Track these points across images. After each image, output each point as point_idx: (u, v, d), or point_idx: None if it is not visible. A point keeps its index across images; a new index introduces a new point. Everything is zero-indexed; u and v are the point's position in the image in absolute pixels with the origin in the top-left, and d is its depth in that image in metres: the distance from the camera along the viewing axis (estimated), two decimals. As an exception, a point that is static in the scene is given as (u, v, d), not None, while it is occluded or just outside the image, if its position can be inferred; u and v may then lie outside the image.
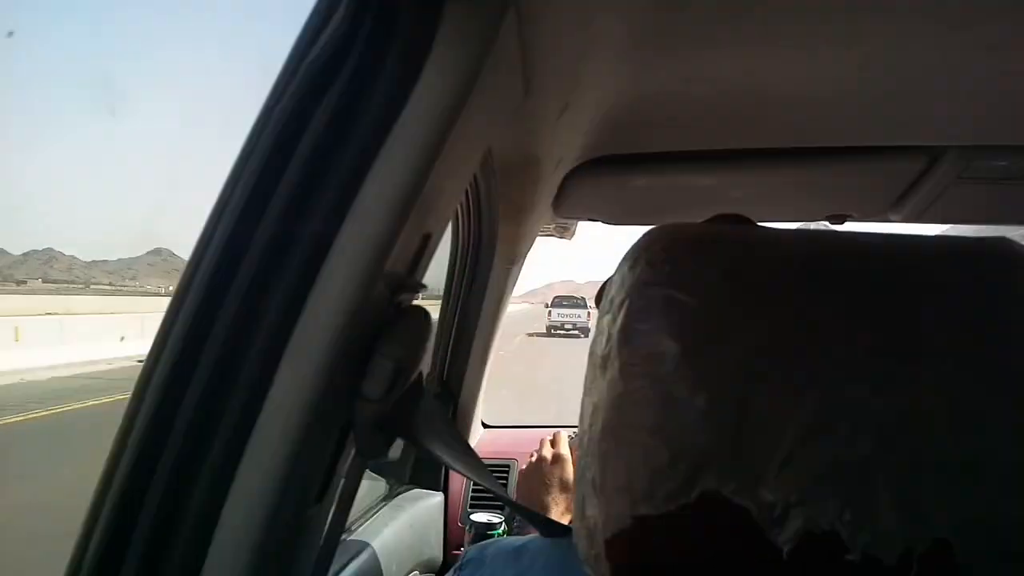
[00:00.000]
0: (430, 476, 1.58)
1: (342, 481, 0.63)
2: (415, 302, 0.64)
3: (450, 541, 1.56)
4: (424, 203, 0.53)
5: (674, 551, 0.40)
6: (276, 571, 0.54)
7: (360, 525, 1.29)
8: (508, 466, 1.65)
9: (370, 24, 0.48)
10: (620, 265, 0.45)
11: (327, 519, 0.62)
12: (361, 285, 0.50)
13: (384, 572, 1.19)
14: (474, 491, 1.60)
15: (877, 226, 1.32)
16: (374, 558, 1.18)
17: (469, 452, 0.66)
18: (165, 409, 0.49)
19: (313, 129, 0.49)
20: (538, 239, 1.39)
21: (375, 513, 1.38)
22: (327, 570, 0.64)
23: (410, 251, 0.57)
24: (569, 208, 1.22)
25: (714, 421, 0.38)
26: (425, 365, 0.63)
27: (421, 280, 0.63)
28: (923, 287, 0.40)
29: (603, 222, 1.34)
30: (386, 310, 0.56)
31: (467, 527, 1.54)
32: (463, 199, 1.08)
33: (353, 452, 0.60)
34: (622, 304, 0.43)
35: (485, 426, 1.85)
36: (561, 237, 1.41)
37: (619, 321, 0.42)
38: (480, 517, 1.54)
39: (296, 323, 0.49)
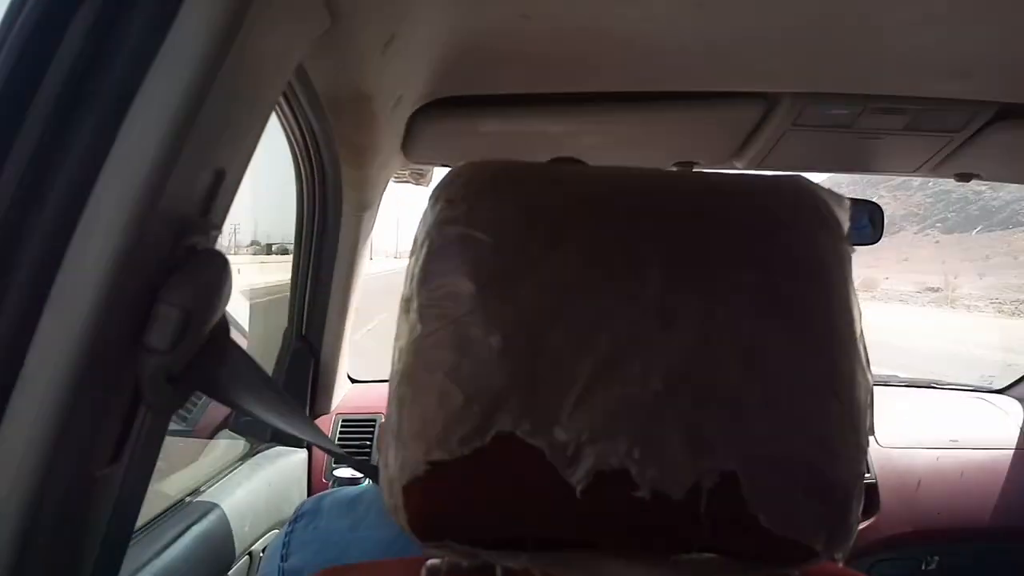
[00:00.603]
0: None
1: (141, 438, 0.58)
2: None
3: (315, 496, 1.53)
4: (207, 134, 0.49)
5: (469, 495, 0.39)
6: (57, 534, 0.50)
7: (211, 486, 1.24)
8: (374, 420, 1.62)
9: None
10: (427, 205, 0.43)
11: (124, 477, 0.57)
12: (132, 224, 0.45)
13: (234, 533, 1.15)
14: (339, 446, 1.57)
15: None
16: (222, 519, 1.13)
17: (288, 406, 0.63)
18: None
19: (68, 47, 0.44)
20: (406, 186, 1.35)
21: (230, 473, 1.33)
22: (128, 530, 0.61)
23: (199, 189, 0.53)
24: (419, 152, 1.19)
25: (509, 361, 0.37)
26: (230, 314, 0.59)
27: (220, 221, 0.58)
28: (715, 224, 0.41)
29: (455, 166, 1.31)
30: (172, 253, 0.52)
31: (331, 483, 1.52)
32: (299, 140, 1.02)
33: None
34: (422, 244, 0.41)
35: (352, 380, 1.81)
36: (417, 184, 1.38)
37: (419, 262, 0.41)
38: (344, 472, 1.51)
39: (58, 269, 0.44)
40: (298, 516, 0.70)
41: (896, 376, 2.23)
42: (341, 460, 1.30)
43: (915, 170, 1.34)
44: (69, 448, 0.47)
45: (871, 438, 1.38)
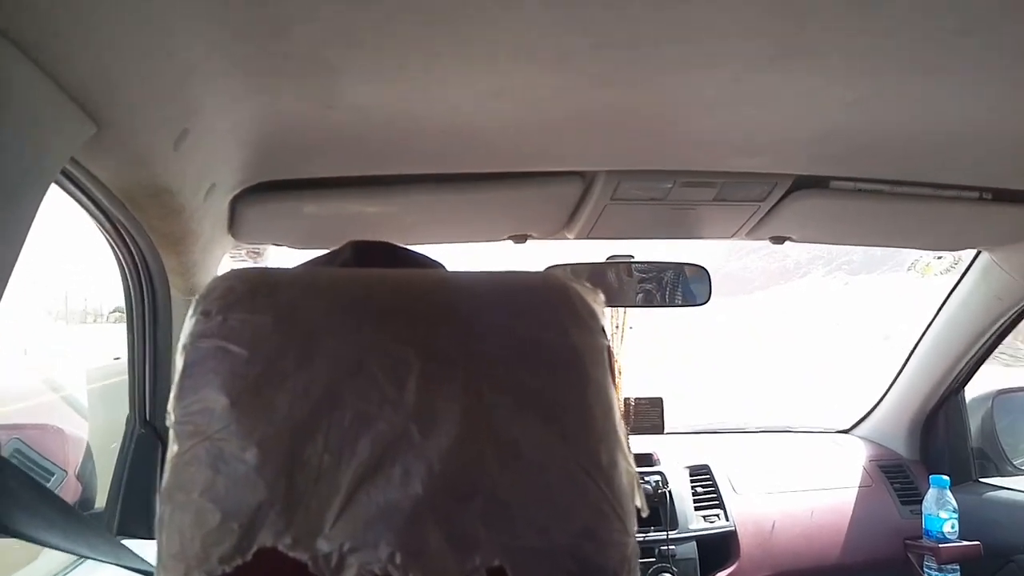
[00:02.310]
0: (142, 524, 1.45)
1: None
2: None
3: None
4: None
5: None
6: None
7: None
8: None
9: None
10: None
11: None
12: None
13: None
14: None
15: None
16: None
17: (81, 522, 0.60)
18: None
19: None
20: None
21: (73, 569, 1.24)
22: None
23: None
24: (247, 233, 1.18)
25: (266, 475, 0.37)
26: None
27: None
28: (470, 324, 0.41)
29: (288, 246, 1.31)
30: None
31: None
32: (111, 230, 1.00)
33: None
34: (179, 359, 0.40)
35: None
36: (255, 262, 1.37)
37: (176, 378, 0.40)
38: None
39: None
40: None
41: (751, 424, 2.34)
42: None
43: (732, 235, 1.43)
44: None
45: (730, 488, 1.42)
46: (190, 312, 0.43)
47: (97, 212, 0.90)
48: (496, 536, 0.38)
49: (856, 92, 0.90)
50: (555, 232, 1.36)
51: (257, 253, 1.32)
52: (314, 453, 0.37)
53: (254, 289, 0.42)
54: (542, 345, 0.42)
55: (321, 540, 0.37)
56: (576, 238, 1.35)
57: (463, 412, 0.39)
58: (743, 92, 0.90)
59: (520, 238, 1.35)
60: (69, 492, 1.31)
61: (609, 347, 0.46)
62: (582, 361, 0.42)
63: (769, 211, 1.31)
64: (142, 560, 0.71)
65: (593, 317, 0.45)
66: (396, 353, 0.40)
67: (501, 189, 1.17)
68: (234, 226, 1.15)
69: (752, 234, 1.42)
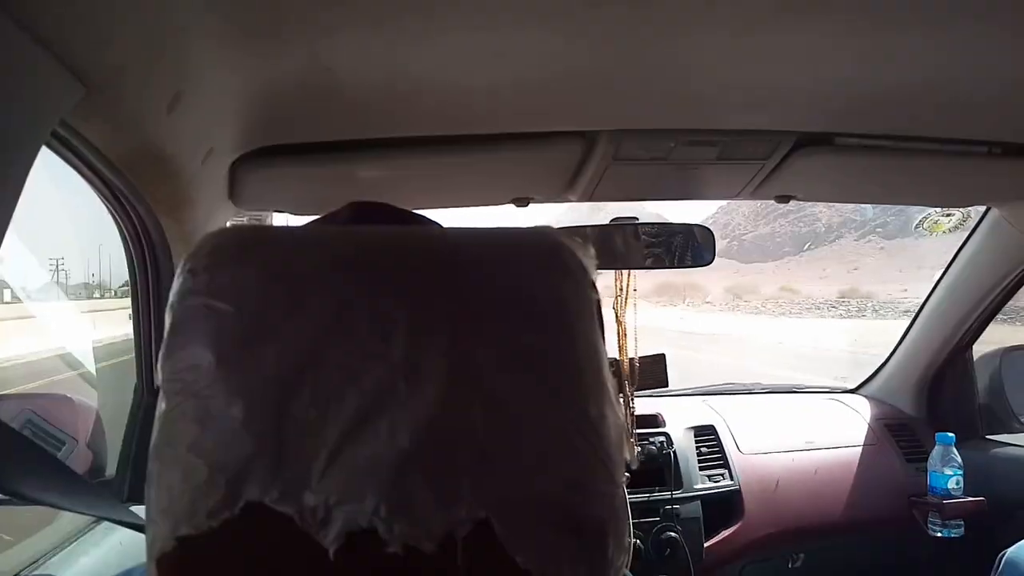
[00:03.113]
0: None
1: None
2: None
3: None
4: None
5: (223, 567, 0.39)
6: None
7: (52, 557, 1.18)
8: None
9: None
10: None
11: None
12: None
13: None
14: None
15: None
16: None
17: (81, 486, 0.62)
18: None
19: None
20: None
21: (75, 542, 1.27)
22: None
23: None
24: (248, 199, 1.18)
25: (253, 430, 0.37)
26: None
27: None
28: (459, 280, 0.41)
29: (289, 212, 1.31)
30: None
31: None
32: (110, 198, 1.00)
33: None
34: (168, 318, 0.40)
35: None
36: (258, 228, 1.38)
37: (164, 336, 0.40)
38: None
39: None
40: None
41: (759, 384, 2.35)
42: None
43: (736, 195, 1.42)
44: None
45: (735, 447, 1.43)
46: (178, 271, 0.43)
47: (94, 178, 0.90)
48: (481, 489, 0.38)
49: (860, 46, 0.88)
50: (558, 194, 1.35)
51: (259, 220, 1.32)
52: (300, 407, 0.38)
53: (242, 245, 0.42)
54: (531, 300, 0.42)
55: (308, 494, 0.37)
56: (579, 200, 1.34)
57: (450, 366, 0.39)
58: (744, 48, 0.88)
59: (522, 201, 1.34)
60: (80, 460, 1.33)
61: (599, 301, 0.46)
62: (571, 315, 0.43)
63: (773, 170, 1.30)
64: (138, 517, 0.73)
65: (583, 272, 0.45)
66: (383, 308, 0.40)
67: (502, 151, 1.16)
68: (235, 192, 1.15)
69: (756, 193, 1.41)
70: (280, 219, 1.39)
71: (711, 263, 1.46)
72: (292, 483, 0.37)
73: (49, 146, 0.73)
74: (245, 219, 1.32)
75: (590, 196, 1.33)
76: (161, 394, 0.40)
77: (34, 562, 1.16)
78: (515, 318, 0.41)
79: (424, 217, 0.59)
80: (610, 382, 0.44)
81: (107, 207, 1.03)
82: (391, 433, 0.38)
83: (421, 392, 0.38)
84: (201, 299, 0.40)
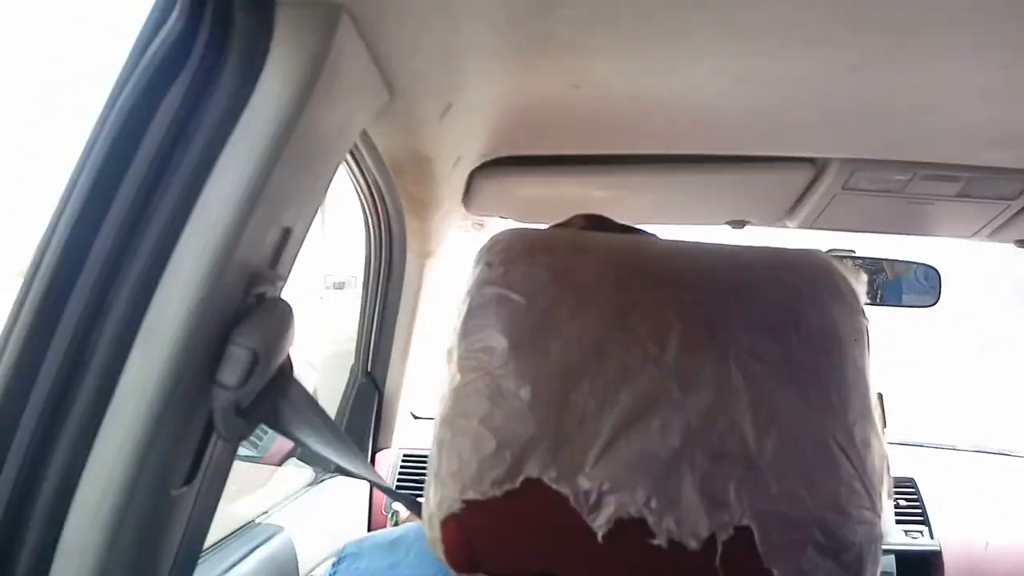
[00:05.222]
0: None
1: (212, 464, 0.66)
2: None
3: (373, 529, 1.59)
4: (276, 198, 0.56)
5: (500, 532, 0.43)
6: (137, 545, 0.57)
7: (278, 511, 1.32)
8: None
9: (208, 22, 0.50)
10: (470, 267, 0.49)
11: (196, 498, 0.65)
12: (209, 276, 0.52)
13: (297, 557, 1.22)
14: (399, 480, 1.63)
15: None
16: (287, 544, 1.20)
17: (342, 441, 0.69)
18: (16, 391, 0.51)
19: (157, 124, 0.51)
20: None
21: (295, 499, 1.41)
22: (199, 545, 0.67)
23: (268, 244, 0.60)
24: (479, 205, 1.26)
25: (537, 412, 0.41)
26: (290, 356, 0.66)
27: (286, 273, 0.66)
28: (733, 294, 0.44)
29: (514, 220, 1.38)
30: (244, 301, 0.59)
31: (390, 515, 1.58)
32: (366, 193, 1.11)
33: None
34: (464, 301, 0.46)
35: (415, 417, 1.88)
36: (478, 232, 1.46)
37: (460, 317, 0.46)
38: (401, 506, 1.57)
39: (146, 312, 0.52)
40: (341, 558, 0.74)
41: (960, 443, 2.15)
42: (388, 495, 1.36)
43: (972, 235, 1.33)
44: (149, 469, 0.54)
45: (937, 505, 1.34)
46: (473, 263, 0.48)
47: (360, 177, 1.01)
48: (747, 498, 0.40)
49: None
50: (776, 220, 1.32)
51: (481, 225, 1.41)
52: (580, 397, 0.41)
53: (531, 246, 0.47)
54: (802, 319, 0.43)
55: (582, 477, 0.40)
56: (798, 227, 1.31)
57: (721, 376, 0.41)
58: (1009, 81, 0.83)
59: (738, 224, 1.34)
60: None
61: (867, 328, 0.46)
62: (841, 339, 0.44)
63: (1020, 211, 1.20)
64: (380, 478, 0.79)
65: (855, 297, 0.46)
66: (660, 314, 0.43)
67: (726, 172, 1.16)
68: (467, 197, 1.23)
69: (995, 235, 1.31)
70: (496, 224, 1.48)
71: (934, 305, 1.37)
72: (568, 466, 0.40)
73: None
74: (469, 223, 1.42)
75: (811, 224, 1.29)
76: (454, 368, 0.45)
77: (264, 512, 1.30)
78: (786, 335, 0.43)
79: (646, 232, 0.62)
80: (877, 412, 0.44)
81: (362, 204, 1.15)
82: (663, 432, 0.40)
83: (693, 396, 0.41)
84: (496, 289, 0.45)
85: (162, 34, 0.51)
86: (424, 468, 1.47)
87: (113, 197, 0.51)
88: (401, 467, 1.66)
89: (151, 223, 0.52)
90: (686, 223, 1.42)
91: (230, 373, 0.58)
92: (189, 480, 0.62)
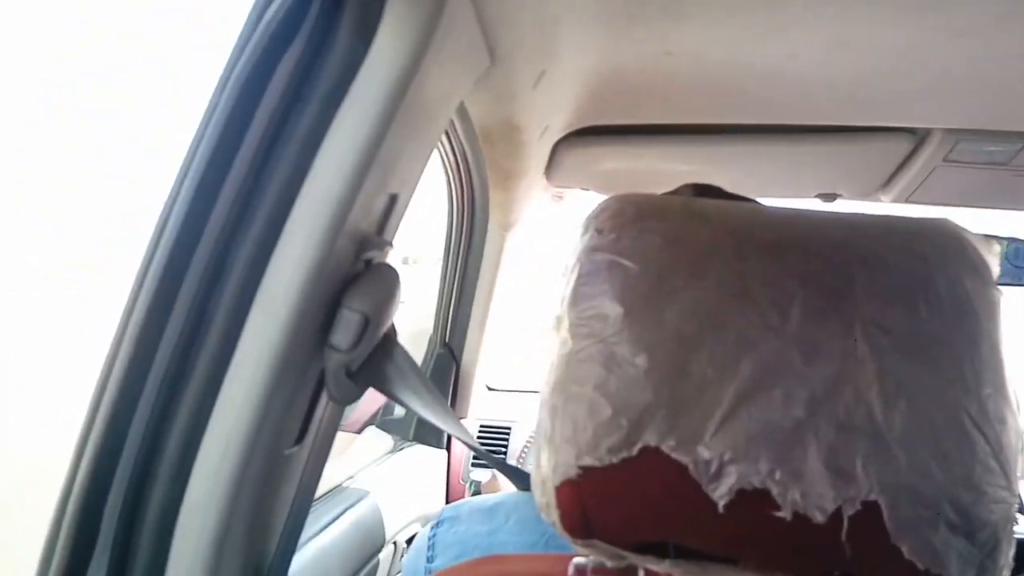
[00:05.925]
0: (434, 434, 1.63)
1: (321, 424, 0.68)
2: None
3: (451, 498, 1.62)
4: (385, 164, 0.57)
5: (617, 500, 0.42)
6: (254, 502, 0.59)
7: (363, 475, 1.36)
8: (509, 428, 1.70)
9: None
10: (577, 234, 0.48)
11: (306, 458, 0.67)
12: (323, 241, 0.54)
13: (383, 521, 1.25)
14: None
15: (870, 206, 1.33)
16: (374, 508, 1.24)
17: (441, 404, 0.70)
18: (142, 354, 0.53)
19: (272, 93, 0.53)
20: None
21: (378, 466, 1.44)
22: (310, 500, 0.70)
23: (376, 211, 0.62)
24: (561, 177, 1.25)
25: (654, 380, 0.40)
26: (395, 320, 0.67)
27: (392, 238, 0.67)
28: (857, 263, 0.42)
29: (596, 191, 1.37)
30: (354, 265, 0.61)
31: (468, 484, 1.61)
32: (453, 165, 1.12)
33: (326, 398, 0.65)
34: (573, 268, 0.46)
35: (490, 389, 1.90)
36: (558, 205, 1.46)
37: (570, 284, 0.45)
38: (479, 475, 1.60)
39: (263, 276, 0.54)
40: (440, 521, 0.74)
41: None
42: (483, 459, 1.38)
43: None
44: (265, 428, 0.56)
45: None
46: (581, 229, 0.47)
47: (448, 147, 1.01)
48: (875, 471, 0.38)
49: None
50: (869, 193, 1.27)
51: (560, 197, 1.40)
52: (698, 366, 0.40)
53: (642, 212, 0.46)
54: (932, 290, 0.42)
55: (701, 447, 0.40)
56: (892, 201, 1.26)
57: (847, 346, 0.40)
58: None
59: (829, 197, 1.29)
60: (376, 400, 1.51)
61: (1000, 301, 0.44)
62: (973, 312, 0.42)
63: None
64: (478, 444, 0.79)
65: (987, 268, 0.44)
66: (780, 283, 0.42)
67: (819, 143, 1.12)
68: (550, 168, 1.22)
69: None
70: (576, 196, 1.47)
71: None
72: (687, 435, 0.40)
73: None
74: (548, 194, 1.41)
75: (907, 198, 1.24)
76: (566, 335, 0.44)
77: (350, 477, 1.33)
78: (915, 306, 0.41)
79: (748, 199, 0.60)
80: (1011, 386, 0.42)
81: (447, 175, 1.16)
82: (786, 403, 0.39)
83: (817, 367, 0.39)
84: (607, 255, 0.44)
85: (277, 2, 0.52)
86: (501, 438, 1.49)
87: (230, 165, 0.53)
88: (478, 437, 1.68)
89: (267, 190, 0.53)
90: (775, 196, 1.37)
91: (342, 336, 0.59)
92: (299, 440, 0.64)
